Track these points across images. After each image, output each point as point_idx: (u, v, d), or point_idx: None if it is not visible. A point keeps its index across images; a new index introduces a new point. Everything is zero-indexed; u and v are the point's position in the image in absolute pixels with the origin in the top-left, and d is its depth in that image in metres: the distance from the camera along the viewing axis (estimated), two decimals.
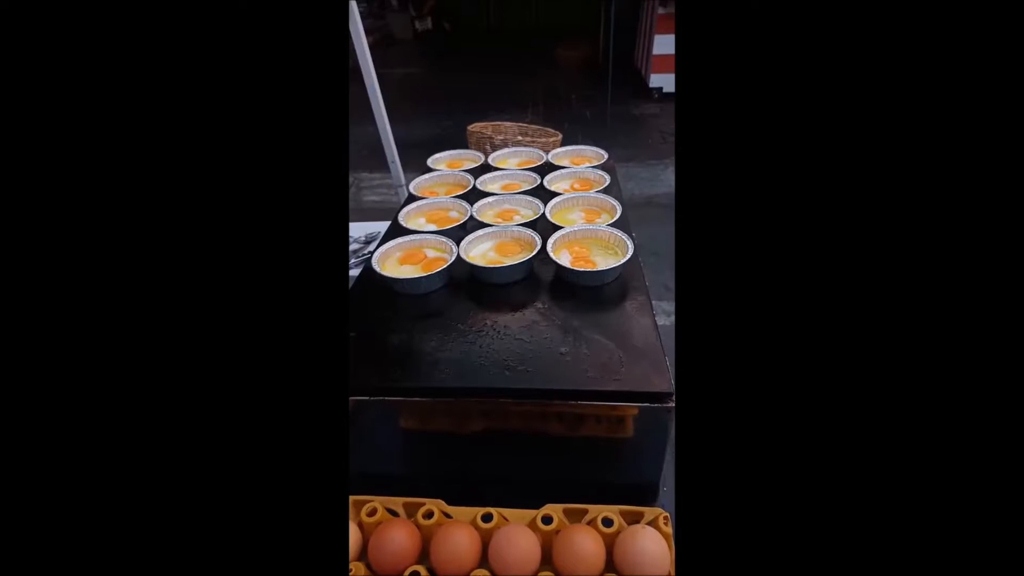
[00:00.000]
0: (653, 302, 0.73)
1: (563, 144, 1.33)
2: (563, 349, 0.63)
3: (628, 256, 0.74)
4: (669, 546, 0.48)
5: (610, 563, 0.47)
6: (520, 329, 0.67)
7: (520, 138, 1.65)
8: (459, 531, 0.48)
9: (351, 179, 3.44)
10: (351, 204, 3.16)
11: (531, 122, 2.06)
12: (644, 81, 4.33)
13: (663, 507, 0.67)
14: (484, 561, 0.48)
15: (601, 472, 0.69)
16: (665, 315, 2.00)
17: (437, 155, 1.15)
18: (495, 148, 1.31)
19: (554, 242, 0.78)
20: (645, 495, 0.69)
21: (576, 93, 4.51)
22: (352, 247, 1.27)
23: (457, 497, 0.66)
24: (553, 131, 1.67)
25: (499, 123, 1.73)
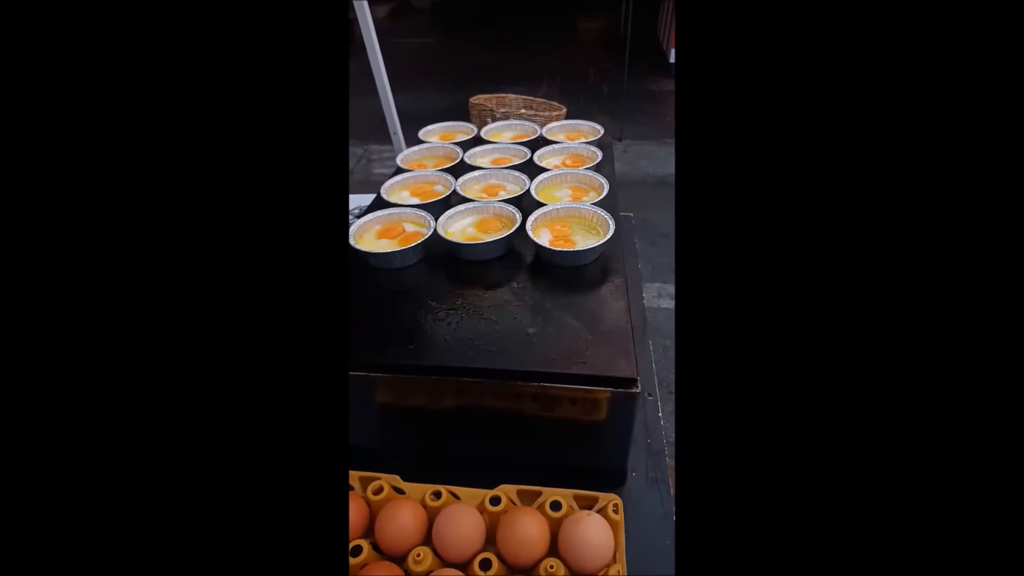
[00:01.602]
0: (659, 285, 0.71)
1: (569, 118, 1.28)
2: (531, 330, 0.62)
3: (608, 236, 0.72)
4: (616, 533, 0.47)
5: (556, 547, 0.47)
6: (491, 308, 0.66)
7: (523, 111, 1.60)
8: (405, 508, 0.48)
9: (361, 151, 3.43)
10: (359, 176, 3.15)
11: (544, 95, 2.00)
12: (664, 56, 4.20)
13: (627, 493, 0.67)
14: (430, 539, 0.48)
15: (571, 454, 0.68)
16: (669, 298, 1.97)
17: (429, 127, 1.13)
18: (496, 121, 1.28)
19: (534, 220, 0.76)
20: (612, 480, 0.68)
21: (594, 67, 4.39)
22: None
23: (427, 474, 0.66)
24: (558, 105, 1.62)
25: (503, 95, 1.68)
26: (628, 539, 0.59)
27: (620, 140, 3.27)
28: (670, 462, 0.72)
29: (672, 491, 0.68)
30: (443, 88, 3.96)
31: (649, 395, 0.80)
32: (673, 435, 0.34)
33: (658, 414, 0.78)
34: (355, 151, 3.43)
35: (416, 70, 4.38)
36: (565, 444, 0.66)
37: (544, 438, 0.66)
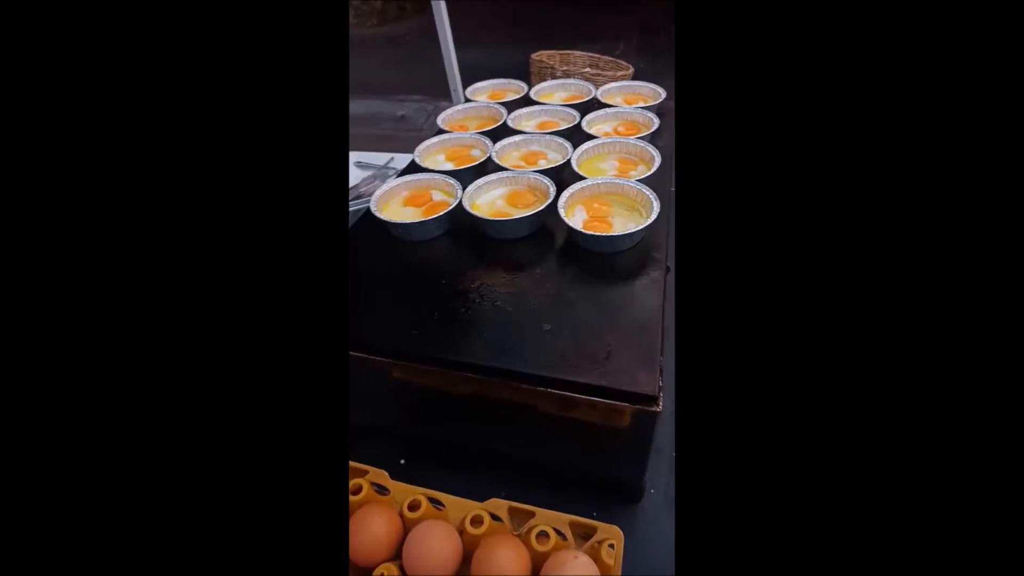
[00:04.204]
0: None
1: (644, 79, 1.13)
2: (547, 326, 0.55)
3: (650, 220, 0.62)
4: None
5: None
6: (507, 295, 0.59)
7: (587, 70, 1.47)
8: (380, 517, 0.44)
9: (432, 107, 3.37)
10: (428, 133, 3.11)
11: (621, 53, 1.85)
12: None
13: (641, 512, 0.60)
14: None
15: (586, 460, 0.62)
16: None
17: (478, 84, 1.04)
18: (556, 79, 1.17)
19: (570, 197, 0.67)
20: (628, 495, 0.61)
21: None
22: (368, 173, 1.24)
23: (425, 464, 0.63)
24: (625, 64, 1.46)
25: (568, 52, 1.55)
26: (634, 568, 0.52)
27: None
28: None
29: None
30: (521, 43, 3.77)
31: None
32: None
33: None
34: (425, 107, 3.39)
35: (490, 24, 4.23)
36: (580, 448, 0.60)
37: (558, 438, 0.60)
